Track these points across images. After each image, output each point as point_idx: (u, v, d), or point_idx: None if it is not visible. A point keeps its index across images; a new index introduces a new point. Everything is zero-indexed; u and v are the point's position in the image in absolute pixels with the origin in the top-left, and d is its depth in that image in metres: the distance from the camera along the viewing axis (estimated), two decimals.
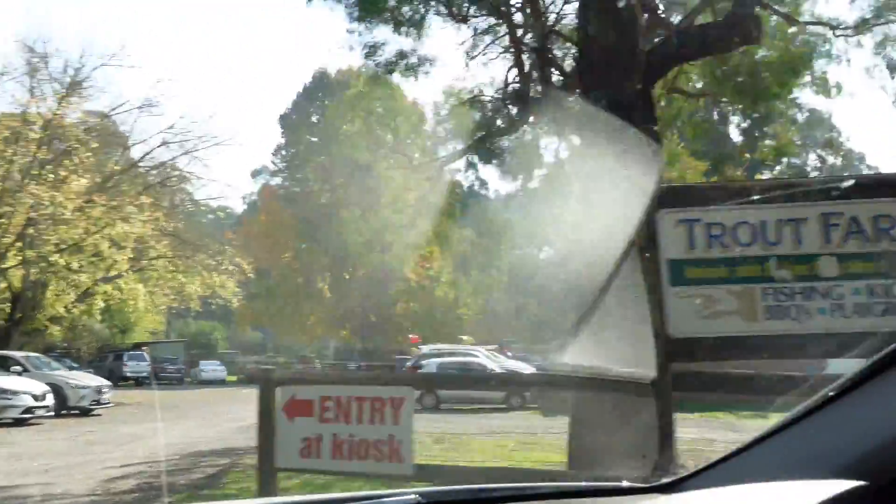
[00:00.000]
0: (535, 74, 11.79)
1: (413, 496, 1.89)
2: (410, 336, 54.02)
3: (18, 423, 17.27)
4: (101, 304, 28.84)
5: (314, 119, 59.85)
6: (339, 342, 65.23)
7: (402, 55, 12.02)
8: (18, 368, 20.04)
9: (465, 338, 53.17)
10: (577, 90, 10.89)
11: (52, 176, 23.85)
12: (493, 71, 15.87)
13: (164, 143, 27.01)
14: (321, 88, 59.05)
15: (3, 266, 23.49)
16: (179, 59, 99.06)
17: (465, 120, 16.33)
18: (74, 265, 24.26)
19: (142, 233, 24.59)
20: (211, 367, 45.89)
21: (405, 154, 17.99)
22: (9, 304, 24.88)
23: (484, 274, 77.14)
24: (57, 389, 19.05)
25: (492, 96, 15.10)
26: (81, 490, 9.46)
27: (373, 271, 52.65)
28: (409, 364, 26.52)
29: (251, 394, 24.31)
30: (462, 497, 2.19)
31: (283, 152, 59.16)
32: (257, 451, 6.03)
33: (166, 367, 42.73)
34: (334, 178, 53.17)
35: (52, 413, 18.32)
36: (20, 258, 24.23)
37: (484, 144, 16.01)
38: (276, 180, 65.48)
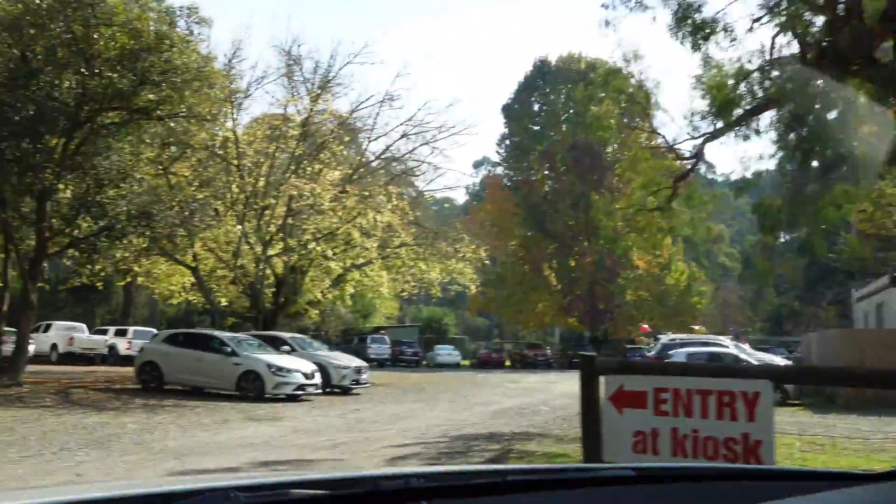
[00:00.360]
0: (830, 35, 10.55)
1: (629, 470, 1.88)
2: (641, 325, 52.55)
3: (290, 398, 18.61)
4: (351, 290, 30.64)
5: (535, 108, 59.81)
6: (564, 330, 64.91)
7: (708, 21, 11.23)
8: (287, 348, 21.67)
9: (696, 327, 50.81)
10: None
11: (310, 169, 25.59)
12: (760, 37, 14.45)
13: (405, 136, 28.11)
14: (542, 76, 58.84)
15: (268, 254, 25.51)
16: (415, 54, 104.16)
17: (726, 94, 15.05)
18: (329, 253, 25.88)
19: (391, 221, 25.75)
20: (446, 352, 47.38)
21: (656, 133, 17.07)
22: (273, 289, 27.06)
23: (716, 261, 73.38)
24: (322, 368, 20.31)
25: (764, 63, 13.77)
26: (371, 468, 9.80)
27: (600, 259, 51.72)
28: (652, 354, 25.49)
29: (488, 378, 24.70)
30: (678, 473, 2.13)
31: (507, 142, 59.62)
32: (581, 443, 5.75)
33: (404, 351, 44.77)
34: (559, 165, 52.80)
35: (319, 391, 19.56)
36: (281, 246, 26.24)
37: (747, 120, 14.78)
38: (499, 170, 66.34)
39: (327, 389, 20.44)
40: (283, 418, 15.11)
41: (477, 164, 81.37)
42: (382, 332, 47.03)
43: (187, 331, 23.15)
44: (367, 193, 25.29)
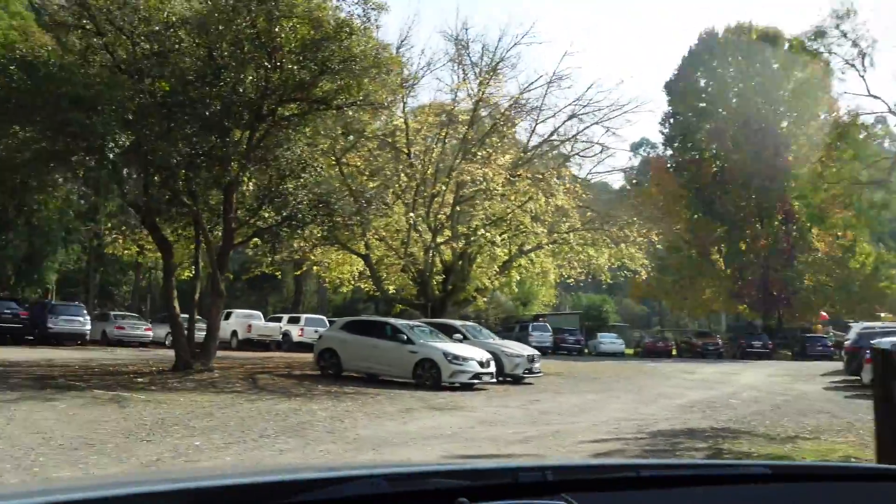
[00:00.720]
0: None
1: (764, 468, 1.85)
2: (821, 312, 49.01)
3: (465, 387, 18.30)
4: (517, 277, 30.16)
5: (701, 83, 56.69)
6: (731, 318, 61.65)
7: None
8: (459, 336, 21.40)
9: (883, 314, 46.72)
10: None
11: (480, 154, 25.23)
12: None
13: (574, 116, 27.24)
14: (708, 50, 55.59)
15: (437, 241, 25.44)
16: (581, 32, 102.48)
17: None
18: (497, 239, 25.47)
19: (563, 204, 24.99)
20: (609, 340, 46.19)
21: (874, 97, 15.34)
22: (441, 277, 27.01)
23: None
24: (494, 357, 19.86)
25: None
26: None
27: (774, 241, 48.53)
28: (849, 344, 23.32)
29: (657, 368, 23.28)
30: (815, 472, 2.03)
31: (671, 121, 56.87)
32: (875, 443, 4.90)
33: (566, 339, 43.97)
34: (728, 144, 49.87)
35: (494, 380, 19.18)
36: (449, 234, 26.13)
37: None
38: (660, 150, 63.64)
39: (499, 378, 20.01)
40: (463, 408, 14.82)
41: (635, 147, 78.52)
42: (542, 319, 46.37)
43: (364, 318, 23.40)
44: (539, 176, 24.65)
